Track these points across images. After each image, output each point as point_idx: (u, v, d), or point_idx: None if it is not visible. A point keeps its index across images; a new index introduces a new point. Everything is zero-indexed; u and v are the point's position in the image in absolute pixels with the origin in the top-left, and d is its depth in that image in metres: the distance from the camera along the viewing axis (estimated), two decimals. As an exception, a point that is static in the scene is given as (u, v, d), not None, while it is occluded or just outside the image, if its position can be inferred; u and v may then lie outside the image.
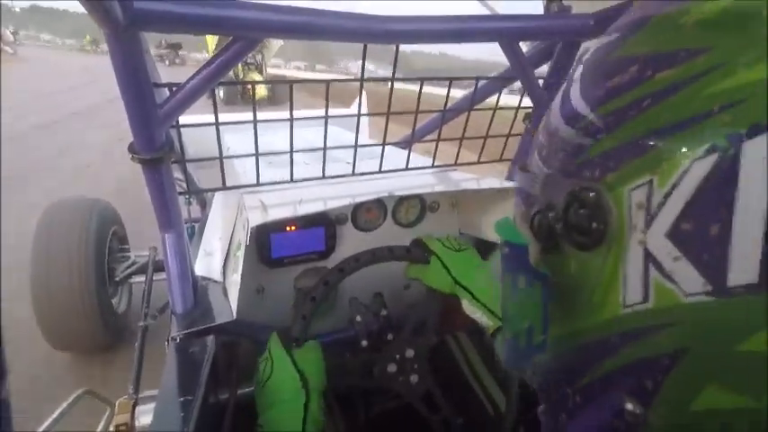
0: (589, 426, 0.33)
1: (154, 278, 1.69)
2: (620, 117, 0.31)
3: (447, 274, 0.91)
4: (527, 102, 1.00)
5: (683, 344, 0.26)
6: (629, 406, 0.29)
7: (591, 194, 0.32)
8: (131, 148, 0.71)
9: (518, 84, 0.99)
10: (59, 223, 1.90)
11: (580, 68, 0.38)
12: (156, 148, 0.71)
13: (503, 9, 0.92)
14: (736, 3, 0.27)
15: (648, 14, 0.33)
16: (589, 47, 0.38)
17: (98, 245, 1.94)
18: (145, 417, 0.89)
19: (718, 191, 0.24)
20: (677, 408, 0.27)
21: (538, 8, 0.93)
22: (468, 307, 0.88)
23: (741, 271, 0.24)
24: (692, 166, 0.26)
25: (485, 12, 1.08)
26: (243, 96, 9.63)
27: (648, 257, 0.28)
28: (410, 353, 0.93)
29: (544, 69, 1.00)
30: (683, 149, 0.26)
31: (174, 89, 0.70)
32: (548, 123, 0.40)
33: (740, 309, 0.24)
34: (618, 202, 0.30)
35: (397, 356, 0.92)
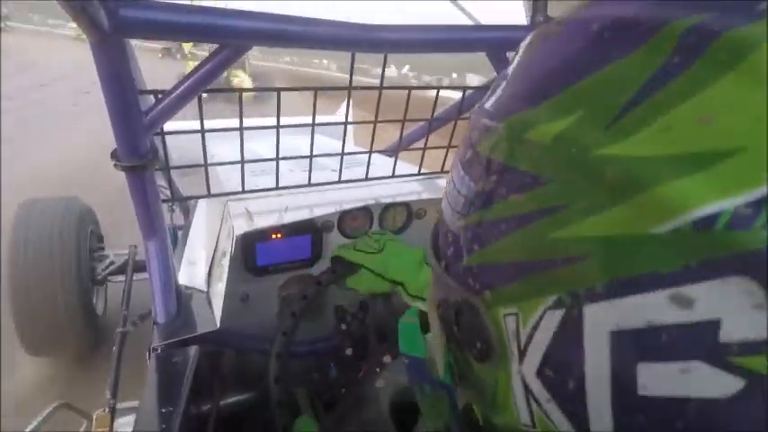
0: None
1: (134, 278, 1.65)
2: (488, 233, 0.28)
3: (380, 278, 0.91)
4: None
5: None
6: None
7: (472, 309, 0.30)
8: (114, 155, 0.69)
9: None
10: (36, 222, 1.85)
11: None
12: (140, 155, 0.70)
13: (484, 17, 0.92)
14: (569, 128, 0.24)
15: (508, 111, 0.29)
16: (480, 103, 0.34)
17: (77, 244, 1.89)
18: (124, 429, 0.87)
19: (569, 348, 0.24)
20: None
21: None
22: (407, 298, 0.88)
23: (600, 424, 0.23)
24: (545, 315, 0.24)
25: (466, 20, 1.09)
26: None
27: (527, 389, 0.27)
28: (388, 358, 0.92)
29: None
30: (538, 293, 0.25)
31: (159, 96, 0.69)
32: (443, 202, 0.37)
33: None
34: (496, 323, 0.28)
35: (378, 369, 0.91)
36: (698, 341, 0.19)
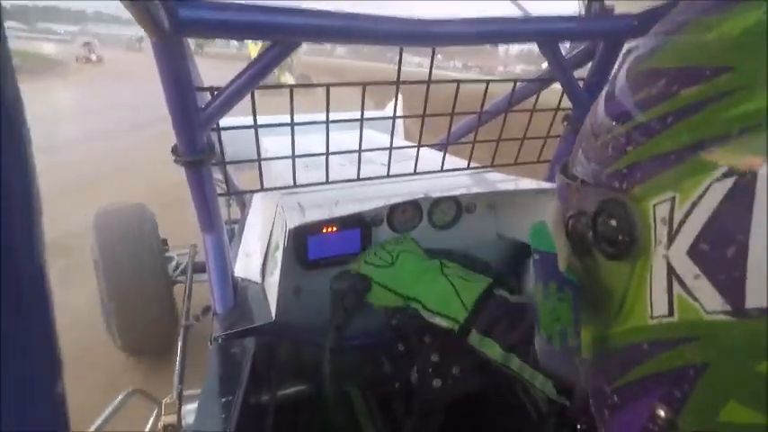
0: (627, 423, 0.33)
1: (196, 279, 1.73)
2: (646, 131, 0.31)
3: (393, 294, 0.88)
4: (566, 102, 0.98)
5: (706, 359, 0.27)
6: (661, 412, 0.29)
7: (618, 205, 0.32)
8: (174, 151, 0.73)
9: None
10: (118, 228, 1.93)
11: (617, 76, 0.38)
12: (197, 150, 0.73)
13: (534, 10, 0.90)
14: (758, 23, 0.26)
15: (680, 24, 0.32)
16: (631, 48, 0.38)
17: (156, 247, 1.98)
18: (191, 415, 0.91)
19: (735, 214, 0.24)
20: (705, 418, 0.27)
21: (571, 7, 0.91)
22: (426, 314, 0.83)
23: (758, 294, 0.23)
24: (712, 187, 0.26)
25: (517, 12, 1.07)
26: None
27: (672, 273, 0.28)
28: (435, 357, 0.92)
29: (583, 72, 0.98)
30: (703, 170, 0.26)
31: (215, 93, 0.71)
32: (585, 128, 0.41)
33: (758, 330, 0.24)
34: (643, 215, 0.30)
35: (431, 369, 0.91)
36: None
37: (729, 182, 0.25)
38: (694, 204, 0.26)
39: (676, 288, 0.28)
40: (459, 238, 1.10)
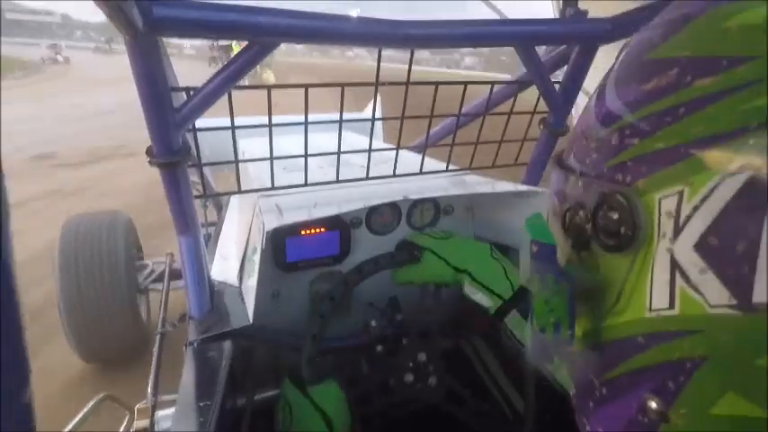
0: (614, 416, 0.34)
1: (172, 287, 1.71)
2: (656, 123, 0.31)
3: (445, 264, 0.91)
4: (543, 106, 1.00)
5: (706, 352, 0.27)
6: (653, 404, 0.30)
7: (621, 198, 0.32)
8: (149, 152, 0.71)
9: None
10: (84, 236, 1.91)
11: (618, 64, 0.37)
12: (173, 151, 0.71)
13: (509, 11, 0.91)
14: None
15: (690, 13, 0.32)
16: (630, 41, 0.38)
17: (123, 256, 1.95)
18: (164, 421, 0.89)
19: (748, 209, 0.24)
20: (698, 410, 0.28)
21: (546, 10, 0.93)
22: (469, 288, 0.88)
23: (765, 290, 0.24)
24: (724, 182, 0.25)
25: (493, 15, 1.08)
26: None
27: (675, 266, 0.28)
28: (423, 356, 0.92)
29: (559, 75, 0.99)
30: (716, 164, 0.26)
31: (191, 93, 0.70)
32: (583, 120, 0.40)
33: (763, 325, 0.24)
34: (648, 208, 0.30)
35: (411, 364, 0.91)
36: None
37: (743, 177, 0.24)
38: (704, 199, 0.26)
39: (679, 281, 0.28)
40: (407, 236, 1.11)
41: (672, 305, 0.28)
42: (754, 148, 0.24)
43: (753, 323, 0.24)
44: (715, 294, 0.26)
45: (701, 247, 0.26)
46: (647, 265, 0.30)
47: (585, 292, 0.36)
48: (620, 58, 0.37)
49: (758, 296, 0.24)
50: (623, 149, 0.33)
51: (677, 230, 0.28)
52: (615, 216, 0.32)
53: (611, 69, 0.38)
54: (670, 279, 0.28)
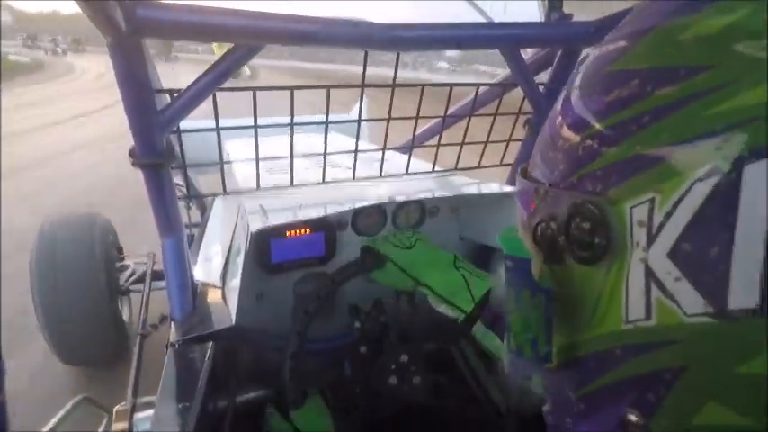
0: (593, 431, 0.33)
1: (154, 287, 1.68)
2: (622, 131, 0.30)
3: (405, 275, 0.91)
4: (528, 107, 1.00)
5: (685, 361, 0.27)
6: (632, 417, 0.29)
7: (593, 208, 0.31)
8: (132, 153, 0.71)
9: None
10: (61, 237, 1.87)
11: (580, 76, 0.37)
12: (156, 153, 0.71)
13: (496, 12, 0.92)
14: (738, 20, 0.26)
15: (649, 26, 0.32)
16: (589, 52, 0.38)
17: (102, 257, 1.91)
18: (143, 423, 0.88)
19: (719, 213, 0.24)
20: (679, 421, 0.27)
21: (532, 12, 0.93)
22: (432, 299, 0.87)
23: (742, 295, 0.24)
24: (694, 187, 0.25)
25: (480, 18, 1.08)
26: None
27: (650, 275, 0.28)
28: (405, 357, 0.92)
29: (543, 76, 1.00)
30: (685, 169, 0.26)
31: (175, 95, 0.70)
32: (549, 130, 0.40)
33: (741, 332, 0.24)
34: (620, 217, 0.30)
35: (393, 366, 0.91)
36: None
37: (713, 181, 0.24)
38: (675, 205, 0.26)
39: (654, 291, 0.27)
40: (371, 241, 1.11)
41: (648, 316, 0.28)
42: (721, 151, 0.25)
43: (731, 330, 0.24)
44: (691, 302, 0.26)
45: (675, 254, 0.26)
46: (621, 276, 0.30)
47: (560, 306, 0.36)
48: (583, 67, 0.37)
49: (734, 302, 0.24)
50: (592, 159, 0.32)
51: (650, 239, 0.28)
52: (587, 227, 0.32)
53: (573, 77, 0.38)
54: (645, 289, 0.28)
